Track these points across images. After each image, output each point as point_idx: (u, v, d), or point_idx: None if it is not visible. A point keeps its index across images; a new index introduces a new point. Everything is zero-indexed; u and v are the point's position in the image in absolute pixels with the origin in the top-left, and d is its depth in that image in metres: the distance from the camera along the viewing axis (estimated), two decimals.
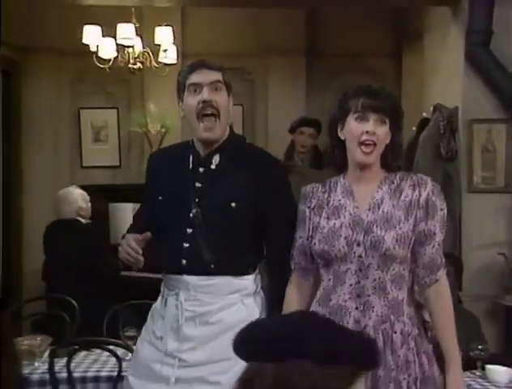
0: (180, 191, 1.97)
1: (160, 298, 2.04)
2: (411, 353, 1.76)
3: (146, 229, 1.94)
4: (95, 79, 5.46)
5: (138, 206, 4.54)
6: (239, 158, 1.97)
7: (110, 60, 4.42)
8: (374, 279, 1.76)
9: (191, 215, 1.94)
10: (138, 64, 4.37)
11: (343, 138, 1.84)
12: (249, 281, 1.98)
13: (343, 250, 1.77)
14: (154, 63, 4.47)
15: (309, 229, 1.86)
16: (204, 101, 1.90)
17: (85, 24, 4.45)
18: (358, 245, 1.76)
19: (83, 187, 5.11)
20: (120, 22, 4.68)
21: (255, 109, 5.58)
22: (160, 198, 1.99)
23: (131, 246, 1.86)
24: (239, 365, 1.90)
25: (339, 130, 1.85)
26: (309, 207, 1.87)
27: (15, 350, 1.05)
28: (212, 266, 1.91)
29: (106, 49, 4.31)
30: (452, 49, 3.41)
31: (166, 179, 2.00)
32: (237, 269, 1.95)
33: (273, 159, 2.06)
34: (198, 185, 1.96)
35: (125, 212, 4.70)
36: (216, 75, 1.97)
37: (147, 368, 1.95)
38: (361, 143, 1.77)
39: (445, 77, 3.58)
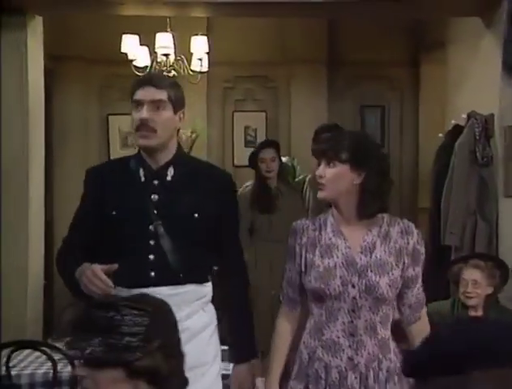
0: (135, 205, 2.00)
1: None
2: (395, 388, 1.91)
3: (97, 250, 2.00)
4: (123, 86, 5.64)
5: None
6: (191, 170, 2.07)
7: (145, 68, 4.59)
8: (366, 320, 1.87)
9: (151, 227, 1.98)
10: (173, 72, 4.53)
11: None
12: (208, 288, 2.10)
13: (338, 289, 1.86)
14: (187, 71, 4.63)
15: (300, 265, 1.94)
16: (141, 119, 1.97)
17: (122, 33, 4.62)
18: (353, 287, 1.86)
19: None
20: (151, 31, 4.87)
21: (278, 116, 5.76)
22: (114, 212, 2.00)
23: (102, 280, 1.82)
24: (212, 369, 2.04)
25: None
26: (299, 244, 1.95)
27: None
28: (181, 275, 1.99)
29: (141, 57, 4.47)
30: (485, 57, 3.58)
31: (117, 193, 2.02)
32: (201, 277, 2.06)
33: (221, 171, 2.24)
34: (154, 197, 2.00)
35: None
36: (160, 94, 1.99)
37: None
38: (318, 186, 1.96)
39: (476, 85, 3.75)
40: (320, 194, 1.94)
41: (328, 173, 1.90)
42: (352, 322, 1.86)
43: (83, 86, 5.58)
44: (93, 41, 5.41)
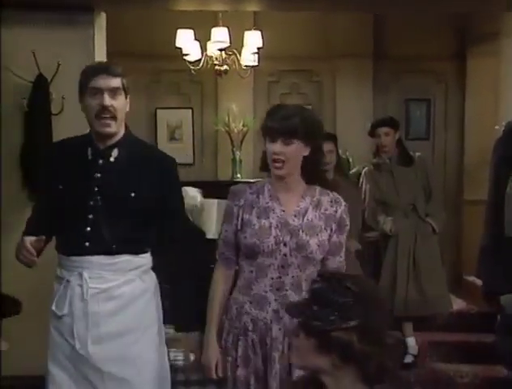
0: (80, 181, 2.16)
1: (57, 281, 2.22)
2: None
3: (44, 220, 2.18)
4: (170, 81, 5.73)
5: (209, 201, 4.82)
6: (135, 152, 2.20)
7: (197, 62, 4.66)
8: (293, 277, 2.02)
9: (91, 202, 2.14)
10: (225, 66, 4.60)
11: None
12: (145, 259, 2.24)
13: (271, 247, 2.00)
14: (238, 65, 4.69)
15: (237, 225, 2.06)
16: (103, 106, 2.11)
17: (175, 28, 4.69)
18: (284, 245, 2.01)
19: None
20: (198, 25, 4.94)
21: (323, 110, 5.80)
22: (61, 186, 2.16)
23: (27, 248, 2.02)
24: (146, 335, 2.17)
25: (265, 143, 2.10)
26: (236, 205, 2.08)
27: None
28: (114, 246, 2.14)
29: (194, 52, 4.53)
30: None
31: (66, 169, 2.18)
32: (136, 248, 2.19)
33: (164, 154, 2.31)
34: (97, 175, 2.16)
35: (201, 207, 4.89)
36: (116, 82, 2.15)
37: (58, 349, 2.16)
38: (273, 161, 2.02)
39: None
40: (279, 172, 2.02)
41: (287, 150, 1.99)
42: (280, 277, 2.01)
43: (132, 81, 5.63)
44: (141, 37, 5.50)
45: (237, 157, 5.26)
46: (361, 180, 4.16)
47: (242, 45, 4.79)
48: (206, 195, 4.85)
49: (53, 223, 2.17)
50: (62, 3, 3.53)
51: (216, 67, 4.66)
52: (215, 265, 2.17)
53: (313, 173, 2.09)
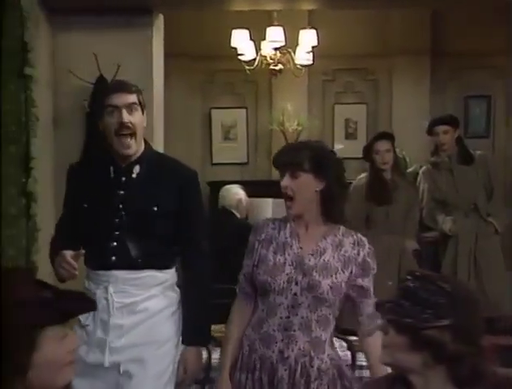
0: (104, 199, 2.17)
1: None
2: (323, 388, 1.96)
3: (72, 237, 2.19)
4: (225, 81, 5.79)
5: (264, 201, 4.82)
6: (156, 167, 2.20)
7: (251, 62, 4.67)
8: (302, 317, 1.95)
9: (116, 219, 2.15)
10: (279, 65, 4.60)
11: None
12: (169, 275, 2.23)
13: (282, 285, 1.94)
14: (293, 65, 4.69)
15: (255, 260, 2.01)
16: (122, 123, 2.09)
17: (230, 29, 4.72)
18: (296, 284, 1.94)
19: (213, 183, 5.45)
20: (253, 25, 4.96)
21: (378, 109, 5.73)
22: (85, 205, 2.18)
23: (68, 262, 2.01)
24: (164, 348, 2.16)
25: None
26: (258, 240, 2.02)
27: None
28: (139, 261, 2.15)
29: (249, 51, 4.55)
30: None
31: (89, 188, 2.19)
32: (160, 264, 2.19)
33: (186, 167, 2.29)
34: (120, 192, 2.16)
35: (253, 207, 4.91)
36: (132, 98, 2.13)
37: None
38: (284, 197, 1.98)
39: None
40: (290, 211, 1.98)
41: (295, 184, 1.95)
42: (288, 317, 1.95)
43: (187, 81, 5.76)
44: (196, 38, 5.57)
45: None
46: (419, 179, 4.08)
47: (297, 44, 4.77)
48: (260, 195, 4.88)
49: (81, 238, 2.20)
50: (122, 7, 3.61)
51: (271, 67, 4.66)
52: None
53: (331, 209, 1.99)
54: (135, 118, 2.13)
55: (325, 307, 1.96)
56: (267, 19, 4.98)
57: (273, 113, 5.58)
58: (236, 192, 4.35)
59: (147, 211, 2.16)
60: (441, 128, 3.94)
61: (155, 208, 2.16)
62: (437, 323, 1.32)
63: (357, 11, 5.15)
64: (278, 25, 4.64)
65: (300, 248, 1.98)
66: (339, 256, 1.97)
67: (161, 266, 2.21)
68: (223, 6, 4.20)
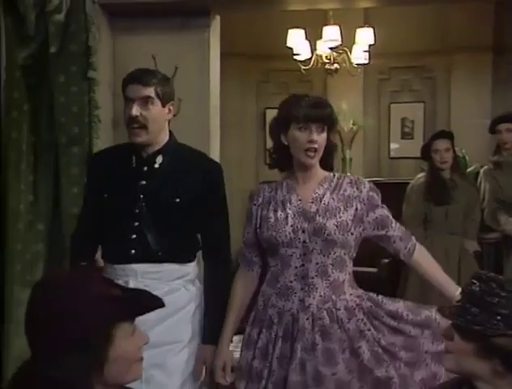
0: (125, 188, 2.12)
1: None
2: (361, 323, 1.95)
3: (92, 231, 2.18)
4: (279, 80, 5.79)
5: None
6: (180, 158, 2.16)
7: (307, 61, 4.66)
8: (317, 263, 1.95)
9: (137, 210, 2.10)
10: (335, 65, 4.57)
11: (286, 143, 2.02)
12: (190, 268, 2.18)
13: (289, 236, 1.96)
14: (349, 63, 4.65)
15: (256, 222, 2.05)
16: (130, 116, 2.06)
17: (286, 28, 4.72)
18: (303, 232, 1.96)
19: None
20: (308, 25, 4.95)
21: (436, 107, 5.61)
22: (106, 195, 2.13)
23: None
24: (188, 347, 2.08)
25: (282, 135, 2.02)
26: (255, 204, 2.06)
27: None
28: (159, 254, 2.10)
29: (304, 51, 4.54)
30: None
31: (111, 178, 2.15)
32: (182, 257, 2.14)
33: (209, 159, 2.27)
34: (142, 182, 2.12)
35: None
36: (148, 91, 2.07)
37: None
38: (306, 150, 1.97)
39: None
40: (312, 161, 2.00)
41: (320, 138, 1.98)
42: (303, 265, 1.96)
43: (242, 81, 5.80)
44: (251, 38, 5.59)
45: (347, 156, 5.21)
46: (479, 179, 3.98)
47: (353, 43, 4.73)
48: None
49: (100, 232, 2.18)
50: (180, 9, 3.66)
51: (327, 66, 4.63)
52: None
53: (330, 161, 2.09)
54: (149, 112, 2.08)
55: (337, 248, 1.97)
56: (322, 18, 4.95)
57: None
58: None
59: (169, 202, 2.12)
60: (504, 126, 3.83)
61: (178, 200, 2.11)
62: (509, 331, 1.27)
63: (414, 7, 5.06)
64: (334, 24, 4.60)
65: (300, 200, 2.02)
66: (338, 196, 2.01)
67: (182, 259, 2.17)
68: (279, 6, 4.19)
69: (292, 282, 1.97)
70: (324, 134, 1.99)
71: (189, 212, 2.13)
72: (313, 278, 1.96)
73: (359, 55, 4.64)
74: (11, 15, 2.99)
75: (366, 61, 4.71)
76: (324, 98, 2.08)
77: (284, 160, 2.06)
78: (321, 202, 2.00)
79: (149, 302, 1.24)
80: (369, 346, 1.93)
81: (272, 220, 2.00)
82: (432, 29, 5.46)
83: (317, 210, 1.98)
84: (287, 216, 1.99)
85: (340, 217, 1.98)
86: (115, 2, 3.56)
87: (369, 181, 2.10)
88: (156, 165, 2.14)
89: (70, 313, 1.07)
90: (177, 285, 2.15)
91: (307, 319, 1.94)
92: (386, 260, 4.26)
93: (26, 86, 3.03)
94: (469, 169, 4.44)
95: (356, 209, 2.01)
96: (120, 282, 2.05)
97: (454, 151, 3.87)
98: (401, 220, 3.86)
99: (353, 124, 4.97)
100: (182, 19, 3.72)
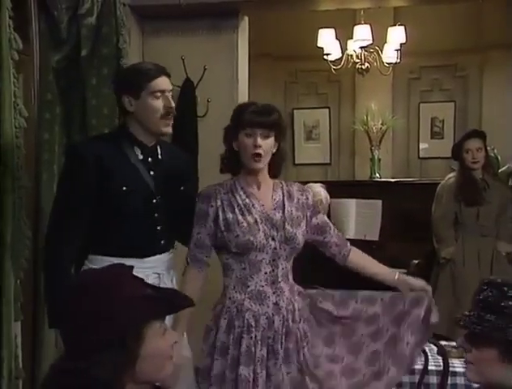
0: (141, 180, 2.14)
1: None
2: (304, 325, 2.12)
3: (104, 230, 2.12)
4: (307, 81, 5.78)
5: (348, 201, 4.76)
6: (167, 149, 2.26)
7: (337, 61, 4.64)
8: (282, 269, 2.08)
9: (154, 201, 2.15)
10: (366, 64, 4.53)
11: (236, 148, 2.10)
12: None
13: (262, 242, 2.04)
14: (380, 63, 4.61)
15: (215, 224, 2.08)
16: (170, 108, 2.15)
17: (319, 28, 4.69)
18: (273, 239, 2.06)
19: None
20: (338, 24, 4.93)
21: (467, 107, 5.53)
22: (124, 188, 2.10)
23: None
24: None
25: (233, 142, 2.10)
26: (212, 206, 2.10)
27: None
28: (170, 242, 2.23)
29: (335, 51, 4.52)
30: None
31: (121, 170, 2.11)
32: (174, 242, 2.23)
33: (182, 150, 2.42)
34: (151, 173, 2.16)
35: (339, 207, 4.86)
36: (170, 83, 2.21)
37: None
38: (254, 155, 2.04)
39: None
40: (258, 165, 2.07)
41: (265, 144, 2.05)
42: (273, 271, 2.06)
43: (270, 82, 5.79)
44: (280, 38, 5.58)
45: (376, 156, 5.17)
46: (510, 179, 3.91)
47: (385, 42, 4.69)
48: (343, 195, 4.83)
49: (117, 227, 2.12)
50: (209, 11, 3.68)
51: (358, 66, 4.60)
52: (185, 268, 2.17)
53: (279, 168, 2.16)
54: (173, 103, 2.19)
55: (294, 254, 2.13)
56: (352, 18, 4.92)
57: (356, 112, 5.51)
58: (318, 192, 4.32)
59: (177, 190, 2.21)
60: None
61: (183, 187, 2.24)
62: None
63: (446, 6, 4.98)
64: (365, 23, 4.57)
65: (262, 205, 2.10)
66: (295, 206, 2.13)
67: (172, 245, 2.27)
68: (310, 6, 4.18)
69: (263, 287, 2.06)
70: (269, 140, 2.06)
71: (191, 199, 2.20)
72: (279, 282, 2.08)
73: (390, 54, 4.59)
74: (45, 19, 3.04)
75: (397, 60, 4.66)
76: (272, 105, 2.13)
77: (236, 165, 2.14)
78: (283, 209, 2.10)
79: (180, 302, 1.25)
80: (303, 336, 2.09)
81: (245, 224, 2.05)
82: (465, 27, 5.36)
83: (284, 218, 2.08)
84: (256, 221, 2.06)
85: (301, 227, 2.12)
86: (145, 4, 3.61)
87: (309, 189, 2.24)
88: (159, 156, 2.22)
89: (104, 313, 1.09)
90: (171, 273, 2.25)
91: (280, 321, 2.06)
92: (416, 261, 4.22)
93: (59, 88, 3.08)
94: (501, 169, 4.37)
95: (306, 216, 2.15)
96: (152, 275, 2.12)
97: (486, 151, 3.81)
98: (431, 220, 3.85)
99: (382, 124, 4.92)
100: (211, 20, 3.75)
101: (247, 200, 2.10)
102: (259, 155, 2.05)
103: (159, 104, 2.13)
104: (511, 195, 3.82)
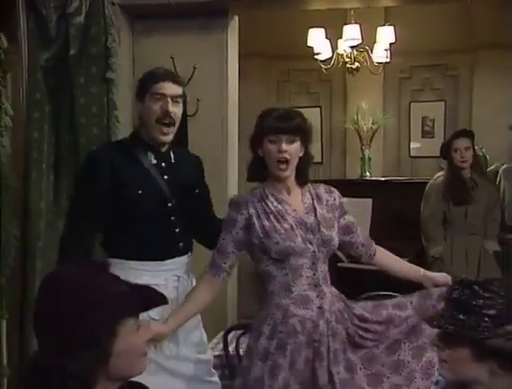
0: (155, 184, 2.16)
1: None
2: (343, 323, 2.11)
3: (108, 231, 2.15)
4: (299, 80, 5.79)
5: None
6: (181, 153, 2.29)
7: (327, 61, 4.65)
8: (322, 271, 2.09)
9: (170, 204, 2.17)
10: (356, 64, 4.55)
11: (261, 155, 2.10)
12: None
13: (301, 247, 2.04)
14: (370, 62, 4.62)
15: (254, 232, 2.06)
16: (167, 112, 2.11)
17: (310, 28, 4.70)
18: (310, 243, 2.06)
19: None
20: (328, 24, 4.94)
21: (458, 106, 5.55)
22: (140, 192, 2.12)
23: None
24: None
25: (258, 149, 2.10)
26: (243, 214, 2.07)
27: None
28: (187, 244, 2.24)
29: (325, 50, 4.53)
30: None
31: (136, 175, 2.14)
32: (211, 245, 2.19)
33: (192, 153, 2.44)
34: (165, 177, 2.19)
35: None
36: (179, 90, 2.17)
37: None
38: (278, 161, 2.04)
39: None
40: (285, 173, 2.07)
41: (290, 149, 2.04)
42: (314, 275, 2.06)
43: (262, 81, 5.80)
44: (271, 37, 5.59)
45: (366, 155, 5.19)
46: (498, 178, 3.94)
47: (374, 42, 4.70)
48: None
49: (133, 232, 2.14)
50: (199, 10, 3.69)
51: (348, 65, 4.62)
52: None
53: (306, 174, 2.15)
54: (178, 110, 2.16)
55: (329, 255, 2.13)
56: (342, 18, 4.93)
57: (347, 111, 5.53)
58: None
59: (192, 193, 2.24)
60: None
61: (197, 190, 2.27)
62: (500, 331, 1.28)
63: (436, 6, 4.99)
64: (355, 23, 4.59)
65: (294, 210, 2.09)
66: (325, 207, 2.12)
67: (212, 247, 2.22)
68: (300, 5, 4.19)
69: (305, 291, 2.05)
70: (295, 145, 2.05)
71: (206, 201, 2.29)
72: (321, 285, 2.07)
73: (380, 54, 4.61)
74: (33, 17, 3.05)
75: (387, 60, 4.68)
76: (295, 110, 2.14)
77: (263, 173, 2.13)
78: (316, 212, 2.09)
79: (154, 299, 1.26)
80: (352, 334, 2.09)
81: (282, 230, 2.05)
82: (455, 27, 5.38)
83: (319, 221, 2.07)
84: (292, 227, 2.06)
85: (335, 228, 2.12)
86: (135, 3, 3.61)
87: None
88: (172, 160, 2.24)
89: (77, 313, 1.10)
90: (190, 276, 2.26)
91: (324, 324, 2.04)
92: (406, 259, 4.22)
93: (47, 87, 3.09)
94: (489, 168, 4.39)
95: (335, 216, 2.14)
96: (171, 277, 2.16)
97: (475, 150, 3.83)
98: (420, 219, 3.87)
99: (373, 123, 4.94)
100: (201, 19, 3.76)
101: (279, 206, 2.10)
102: (285, 160, 2.04)
103: (156, 106, 2.12)
104: (499, 194, 3.85)
